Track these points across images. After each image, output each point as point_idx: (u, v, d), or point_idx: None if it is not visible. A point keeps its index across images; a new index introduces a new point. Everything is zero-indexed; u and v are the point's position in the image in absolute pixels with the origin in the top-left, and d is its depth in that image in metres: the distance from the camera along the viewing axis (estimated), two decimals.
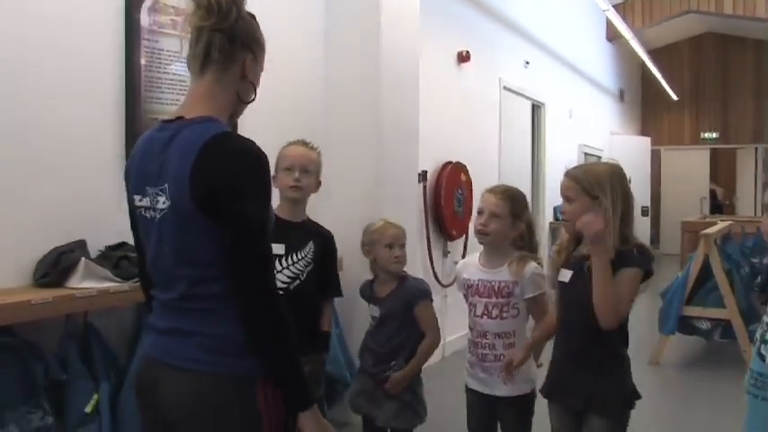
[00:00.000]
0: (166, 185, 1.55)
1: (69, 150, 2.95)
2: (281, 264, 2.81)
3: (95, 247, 2.97)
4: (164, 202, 1.56)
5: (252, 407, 1.54)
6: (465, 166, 6.18)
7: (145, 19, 3.22)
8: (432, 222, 5.83)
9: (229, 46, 1.62)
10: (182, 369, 1.56)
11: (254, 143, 1.59)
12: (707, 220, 8.86)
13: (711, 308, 5.59)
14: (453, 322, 5.33)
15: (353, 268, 3.56)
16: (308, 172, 2.89)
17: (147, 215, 1.62)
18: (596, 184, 2.34)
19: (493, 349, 2.65)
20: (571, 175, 2.42)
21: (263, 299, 1.53)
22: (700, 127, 15.04)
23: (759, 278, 7.00)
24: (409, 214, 4.50)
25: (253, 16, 1.71)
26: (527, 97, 8.16)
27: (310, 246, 2.88)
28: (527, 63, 8.01)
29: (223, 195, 1.50)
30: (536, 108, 8.53)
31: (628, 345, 2.41)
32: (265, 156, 1.58)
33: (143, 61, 3.23)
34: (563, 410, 2.43)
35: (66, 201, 2.91)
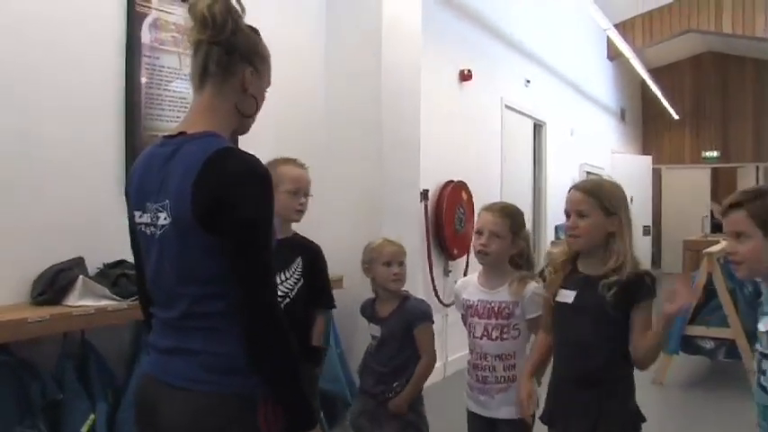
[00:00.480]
0: (167, 201, 1.53)
1: (69, 168, 2.94)
2: None
3: (94, 264, 2.95)
4: (165, 219, 1.54)
5: (253, 426, 1.52)
6: (466, 185, 6.16)
7: (146, 36, 3.23)
8: (433, 241, 5.79)
9: (227, 58, 1.61)
10: (182, 389, 1.53)
11: (257, 159, 1.57)
12: (709, 238, 8.83)
13: (715, 327, 5.53)
14: (455, 341, 5.29)
15: (354, 287, 3.54)
16: (307, 194, 2.91)
17: (148, 231, 1.60)
18: (614, 199, 2.30)
19: (493, 371, 2.59)
20: (584, 189, 2.33)
21: (265, 316, 1.51)
22: (700, 146, 15.03)
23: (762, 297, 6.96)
24: (411, 233, 4.48)
25: (255, 30, 1.69)
26: (528, 116, 8.15)
27: (298, 261, 2.87)
28: (528, 82, 8.02)
29: (225, 212, 1.47)
30: (537, 127, 8.53)
31: (633, 366, 2.34)
32: (268, 172, 1.56)
33: (144, 78, 3.23)
34: None
35: (64, 218, 2.89)
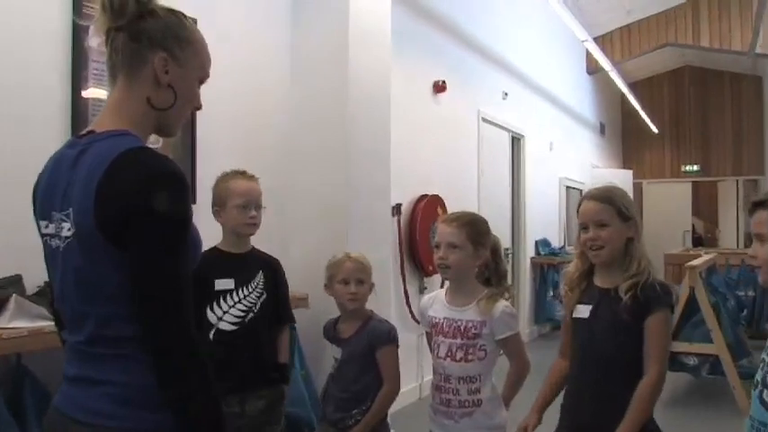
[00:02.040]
0: (71, 209, 1.36)
1: (9, 179, 2.74)
2: (232, 299, 2.76)
3: (34, 283, 2.75)
4: (68, 229, 1.37)
5: None
6: (442, 200, 6.00)
7: (93, 39, 3.04)
8: (407, 257, 5.63)
9: (132, 45, 1.42)
10: (89, 424, 1.35)
11: (171, 161, 1.38)
12: (690, 252, 8.74)
13: (698, 343, 5.41)
14: (430, 361, 5.10)
15: (320, 306, 3.36)
16: (259, 207, 2.86)
17: (53, 244, 1.42)
18: (627, 202, 2.27)
19: (457, 394, 2.42)
20: (599, 198, 2.28)
21: (167, 352, 1.31)
22: (681, 160, 15.04)
23: (745, 311, 6.87)
24: (382, 248, 4.29)
25: (174, 12, 1.50)
26: (506, 129, 8.02)
27: (260, 276, 2.83)
28: (506, 94, 7.90)
29: (130, 221, 1.30)
30: (515, 140, 8.40)
31: None
32: (182, 175, 1.38)
33: (91, 82, 3.05)
34: None
35: (2, 233, 2.69)
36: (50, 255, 1.46)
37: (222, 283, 2.78)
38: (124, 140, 1.38)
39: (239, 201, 2.78)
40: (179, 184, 1.36)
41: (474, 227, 2.47)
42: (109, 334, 1.36)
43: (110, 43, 1.44)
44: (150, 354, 1.32)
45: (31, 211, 2.75)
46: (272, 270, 2.91)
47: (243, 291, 2.78)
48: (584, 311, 2.29)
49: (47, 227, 1.45)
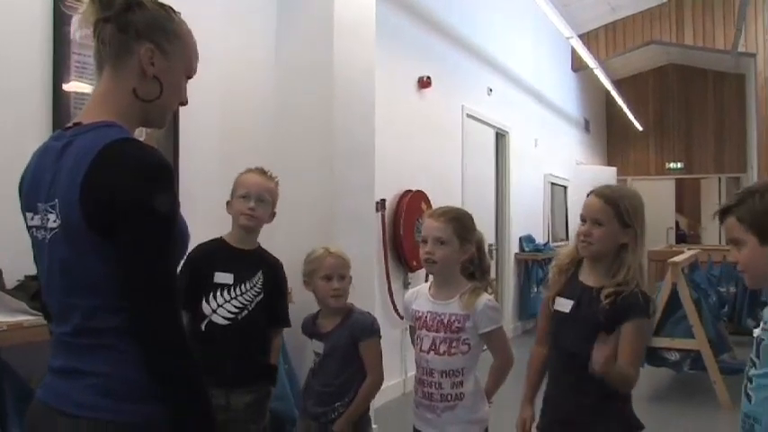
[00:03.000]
0: (57, 201, 1.36)
1: None
2: (229, 294, 2.77)
3: (14, 277, 2.72)
4: (54, 221, 1.37)
5: None
6: (426, 195, 6.00)
7: (75, 31, 3.01)
8: (391, 253, 5.62)
9: (120, 36, 1.42)
10: (74, 416, 1.34)
11: (158, 152, 1.37)
12: (674, 249, 8.80)
13: (680, 338, 5.45)
14: (414, 357, 5.10)
15: (303, 302, 3.35)
16: (263, 201, 2.84)
17: (39, 236, 1.43)
18: (632, 210, 2.25)
19: (439, 388, 2.42)
20: (604, 196, 2.28)
21: (159, 341, 1.32)
22: (665, 157, 15.13)
23: (726, 307, 6.93)
24: (366, 244, 4.29)
25: (163, 6, 1.50)
26: (491, 125, 8.03)
27: (259, 275, 2.81)
28: (490, 90, 7.91)
29: (117, 213, 1.30)
30: (500, 136, 8.41)
31: None
32: (169, 167, 1.38)
33: (73, 77, 3.01)
34: None
35: None
36: (37, 247, 1.46)
37: (221, 277, 2.78)
38: (110, 131, 1.37)
39: (242, 191, 2.83)
40: (165, 175, 1.36)
41: (461, 222, 2.47)
42: (94, 325, 1.36)
43: (97, 35, 1.44)
44: (137, 345, 1.32)
45: (10, 206, 2.72)
46: (273, 271, 2.90)
47: (241, 287, 2.78)
48: (565, 305, 2.31)
49: (33, 219, 1.45)
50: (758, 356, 1.77)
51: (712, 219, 1.93)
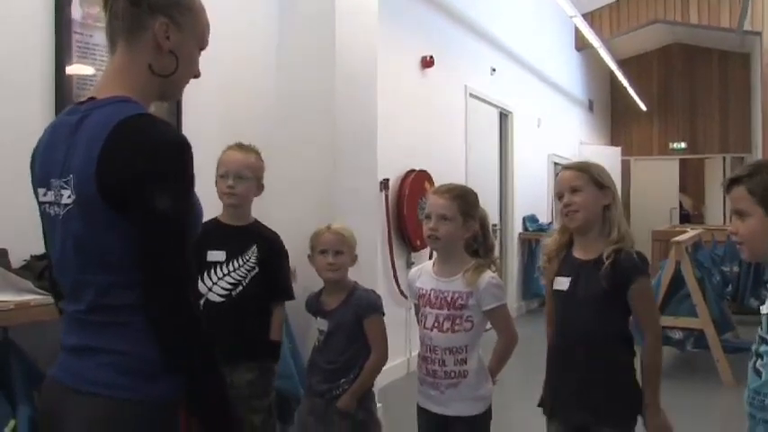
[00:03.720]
0: (71, 176, 1.35)
1: None
2: (222, 271, 2.77)
3: (20, 257, 2.74)
4: (68, 197, 1.35)
5: None
6: (429, 175, 5.99)
7: (76, 12, 3.00)
8: (395, 232, 5.63)
9: (133, 10, 1.41)
10: (90, 394, 1.33)
11: (173, 128, 1.38)
12: (677, 228, 8.79)
13: (684, 317, 5.46)
14: (418, 335, 5.13)
15: (307, 280, 3.36)
16: (242, 178, 2.82)
17: (52, 212, 1.41)
18: (603, 173, 2.32)
19: (443, 365, 2.44)
20: (574, 167, 2.36)
21: (174, 316, 1.32)
22: (668, 137, 15.06)
23: (730, 286, 6.93)
24: (368, 223, 4.29)
25: None
26: (494, 105, 8.01)
27: (253, 249, 2.80)
28: (493, 70, 7.87)
29: (133, 188, 1.29)
30: (503, 116, 8.39)
31: (634, 353, 2.32)
32: (186, 142, 1.36)
33: (75, 59, 3.00)
34: (567, 427, 2.31)
35: None
36: (49, 223, 1.44)
37: (214, 255, 2.78)
38: (126, 107, 1.36)
39: (221, 170, 2.83)
40: (182, 150, 1.35)
41: (465, 199, 2.48)
42: (109, 302, 1.35)
43: (109, 9, 1.42)
44: (152, 321, 1.32)
45: (14, 187, 2.75)
46: (269, 244, 2.88)
47: (233, 263, 2.77)
48: (563, 283, 2.33)
49: (45, 194, 1.43)
50: (767, 332, 1.78)
51: (720, 187, 1.94)
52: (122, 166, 1.30)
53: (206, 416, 1.37)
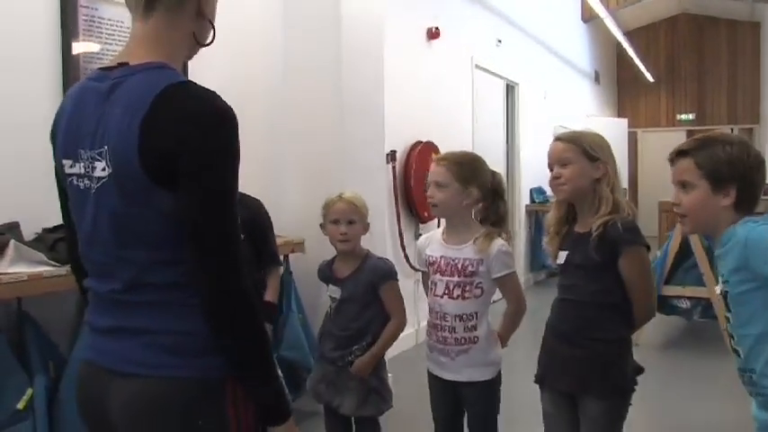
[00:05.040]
0: (106, 148, 1.26)
1: (2, 130, 2.73)
2: None
3: (32, 230, 2.76)
4: (103, 169, 1.27)
5: (220, 412, 1.30)
6: (436, 146, 5.98)
7: None
8: (402, 204, 5.64)
9: None
10: (132, 375, 1.29)
11: (219, 97, 1.29)
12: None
13: (691, 286, 5.46)
14: (426, 307, 5.15)
15: (315, 250, 3.38)
16: None
17: (81, 185, 1.33)
18: (595, 145, 2.25)
19: (453, 332, 2.46)
20: (565, 138, 2.30)
21: (228, 289, 1.26)
22: (676, 109, 14.98)
23: None
24: (376, 194, 4.30)
25: None
26: (500, 77, 7.96)
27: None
28: (499, 42, 7.82)
29: (181, 160, 1.22)
30: (510, 88, 8.35)
31: (629, 325, 2.28)
32: (232, 111, 1.28)
33: (82, 36, 3.00)
34: (558, 395, 2.31)
35: None
36: (78, 196, 1.35)
37: None
38: (167, 74, 1.29)
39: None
40: (231, 119, 1.28)
41: (462, 166, 2.48)
42: (150, 280, 1.30)
43: None
44: (201, 295, 1.26)
45: (25, 162, 2.76)
46: (249, 213, 2.87)
47: None
48: (561, 257, 2.32)
49: (72, 166, 1.34)
50: (729, 310, 1.78)
51: (667, 159, 1.93)
52: (168, 136, 1.22)
53: (263, 393, 1.32)
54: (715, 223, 1.80)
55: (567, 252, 2.30)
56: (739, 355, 1.78)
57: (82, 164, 1.32)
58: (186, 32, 1.38)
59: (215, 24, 1.44)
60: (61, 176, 1.40)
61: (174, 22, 1.35)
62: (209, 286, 1.25)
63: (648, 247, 2.25)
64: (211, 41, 1.44)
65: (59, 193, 1.46)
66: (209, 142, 1.24)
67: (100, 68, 1.37)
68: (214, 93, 1.29)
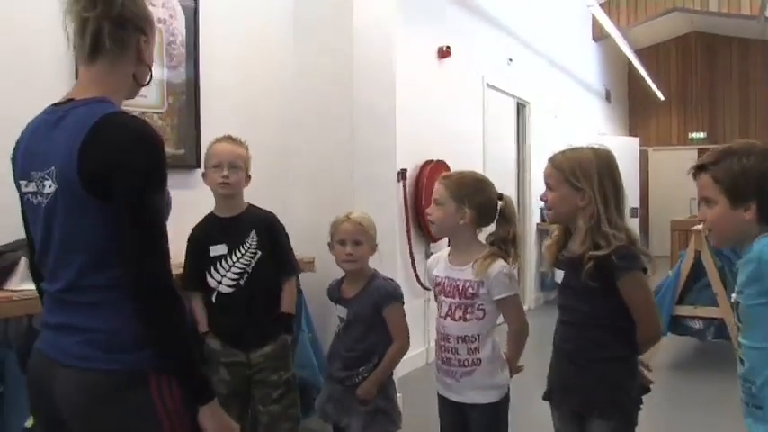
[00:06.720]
0: (53, 168, 1.51)
1: (11, 142, 2.74)
2: (227, 263, 2.85)
3: None
4: (50, 186, 1.52)
5: (146, 401, 1.52)
6: (447, 165, 5.97)
7: None
8: (413, 222, 5.63)
9: (121, 32, 1.56)
10: (72, 366, 1.52)
11: (148, 124, 1.56)
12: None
13: (703, 306, 5.41)
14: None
15: (325, 269, 3.37)
16: (235, 167, 2.89)
17: (34, 201, 1.58)
18: (581, 172, 2.17)
19: (456, 354, 2.44)
20: (554, 162, 2.26)
21: (156, 288, 1.49)
22: (687, 127, 14.96)
23: None
24: (386, 213, 4.29)
25: None
26: (511, 95, 7.97)
27: (252, 236, 2.88)
28: (510, 61, 7.84)
29: (113, 177, 1.46)
30: (521, 107, 8.36)
31: (633, 346, 2.23)
32: (159, 137, 1.56)
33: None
34: (567, 413, 2.29)
35: (8, 197, 2.68)
36: (32, 211, 1.61)
37: (216, 249, 2.86)
38: (105, 106, 1.52)
39: (213, 161, 2.89)
40: (158, 144, 1.53)
41: (458, 184, 2.47)
42: (87, 283, 1.52)
43: (92, 31, 1.53)
44: (132, 297, 1.49)
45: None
46: (267, 226, 2.95)
47: (235, 254, 2.86)
48: (559, 276, 2.32)
49: (27, 185, 1.59)
50: (740, 321, 1.78)
51: (686, 175, 1.91)
52: (105, 155, 1.45)
53: (185, 379, 1.54)
54: (740, 237, 1.81)
55: (563, 272, 2.29)
56: (743, 365, 1.79)
57: (34, 183, 1.56)
58: (127, 74, 1.62)
59: (152, 69, 1.69)
60: (20, 195, 1.64)
61: (116, 66, 1.58)
62: (138, 287, 1.48)
63: (645, 270, 2.18)
64: (149, 82, 1.69)
65: (21, 211, 1.69)
66: (135, 164, 1.47)
67: (53, 104, 1.61)
68: (144, 121, 1.57)
